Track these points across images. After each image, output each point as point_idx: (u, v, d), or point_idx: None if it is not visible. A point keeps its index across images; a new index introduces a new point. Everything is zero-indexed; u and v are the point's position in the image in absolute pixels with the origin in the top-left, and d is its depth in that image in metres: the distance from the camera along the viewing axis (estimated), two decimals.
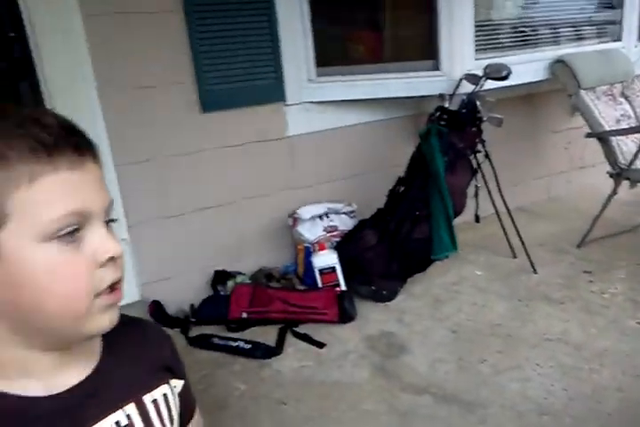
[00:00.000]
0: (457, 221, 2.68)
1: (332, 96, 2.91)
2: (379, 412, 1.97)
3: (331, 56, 2.97)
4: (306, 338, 2.40)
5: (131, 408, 0.70)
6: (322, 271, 2.68)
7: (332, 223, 2.88)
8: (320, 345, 2.36)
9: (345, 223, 2.91)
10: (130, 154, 2.47)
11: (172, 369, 0.80)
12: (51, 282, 0.60)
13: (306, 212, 2.80)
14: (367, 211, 2.89)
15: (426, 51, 2.97)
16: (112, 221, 0.66)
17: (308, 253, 2.79)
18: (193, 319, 2.59)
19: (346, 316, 2.50)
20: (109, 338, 0.71)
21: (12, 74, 2.23)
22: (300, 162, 2.94)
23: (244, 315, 2.53)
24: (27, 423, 0.63)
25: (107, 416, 0.67)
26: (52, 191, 0.59)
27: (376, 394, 2.06)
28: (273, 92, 2.80)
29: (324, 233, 2.83)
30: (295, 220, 2.84)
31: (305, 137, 2.93)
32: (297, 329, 2.47)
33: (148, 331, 0.83)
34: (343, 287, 2.66)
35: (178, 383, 0.80)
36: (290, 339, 2.43)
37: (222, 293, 2.71)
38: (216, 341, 2.42)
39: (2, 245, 0.58)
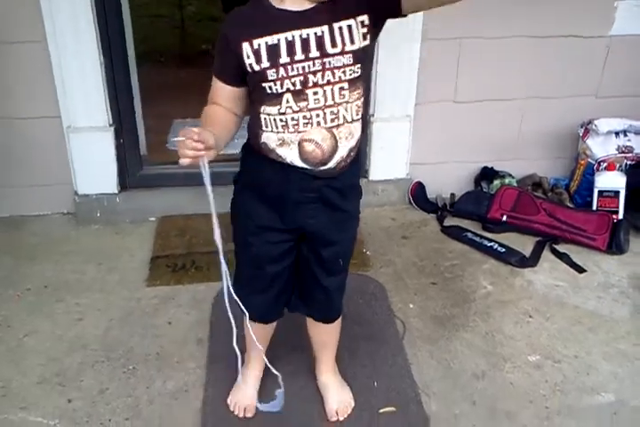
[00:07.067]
0: None
1: None
2: (634, 355, 1.83)
3: None
4: (566, 258, 2.26)
5: (324, 28, 1.14)
6: (602, 193, 2.44)
7: (628, 143, 2.55)
8: (580, 270, 2.21)
9: None
10: (441, 29, 2.34)
11: (362, 6, 1.15)
12: None
13: (604, 124, 2.50)
14: None
15: None
16: None
17: (591, 170, 2.54)
18: (451, 209, 2.57)
19: (617, 246, 2.28)
20: None
21: None
22: (614, 67, 2.58)
23: (505, 218, 2.44)
24: (273, 15, 1.17)
25: (312, 27, 1.14)
26: None
27: (634, 337, 1.90)
28: None
29: (616, 152, 2.54)
30: (587, 131, 2.57)
31: (629, 39, 2.53)
32: (557, 247, 2.34)
33: None
34: (621, 216, 2.41)
35: (364, 17, 1.15)
36: (547, 255, 2.31)
37: (485, 190, 2.63)
38: (470, 236, 2.39)
39: None
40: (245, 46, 1.16)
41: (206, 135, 1.09)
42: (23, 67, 2.23)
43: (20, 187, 2.42)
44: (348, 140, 1.24)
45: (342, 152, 1.24)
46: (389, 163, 2.62)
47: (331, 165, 1.24)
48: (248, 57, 1.17)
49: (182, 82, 3.58)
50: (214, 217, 1.14)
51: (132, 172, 2.44)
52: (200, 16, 5.15)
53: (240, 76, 1.22)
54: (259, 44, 1.16)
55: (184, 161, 1.08)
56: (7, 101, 2.27)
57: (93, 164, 2.36)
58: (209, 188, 1.11)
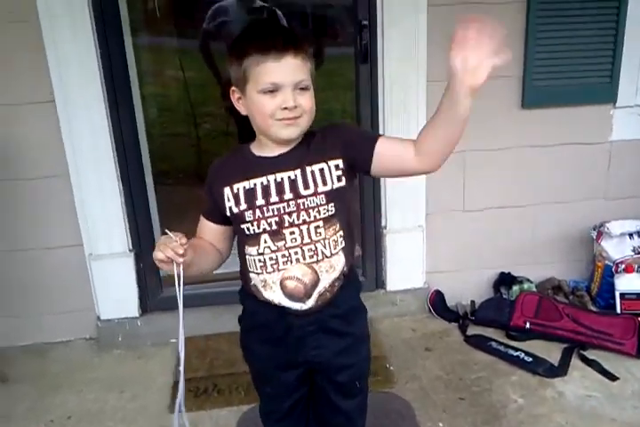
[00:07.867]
0: None
1: None
2: None
3: None
4: (596, 366, 2.20)
5: (297, 171, 1.23)
6: (624, 296, 2.42)
7: None
8: (612, 378, 2.14)
9: None
10: None
11: (335, 151, 1.24)
12: (258, 110, 1.20)
13: (616, 227, 2.54)
14: None
15: None
16: (303, 88, 1.20)
17: (609, 272, 2.54)
18: (472, 317, 2.54)
19: None
20: (302, 140, 1.26)
21: (356, 57, 2.36)
22: (618, 171, 2.66)
23: (528, 325, 2.41)
24: (250, 161, 1.29)
25: (285, 171, 1.23)
26: (265, 70, 1.17)
27: None
28: (603, 91, 2.56)
29: (632, 253, 2.54)
30: (600, 234, 2.60)
31: (630, 144, 2.63)
32: (585, 353, 2.28)
33: (325, 131, 1.28)
34: None
35: (337, 161, 1.24)
36: (576, 362, 2.25)
37: (505, 296, 2.62)
38: (495, 345, 2.35)
39: (248, 91, 1.21)
40: (227, 191, 1.26)
41: (187, 247, 1.18)
42: (47, 200, 2.35)
43: (43, 315, 2.46)
44: (329, 273, 1.26)
45: (325, 284, 1.27)
46: (406, 273, 2.64)
47: (315, 295, 1.26)
48: (228, 200, 1.26)
49: (200, 200, 3.71)
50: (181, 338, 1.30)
51: (152, 295, 2.48)
52: (215, 133, 5.44)
53: (225, 217, 1.30)
54: (237, 189, 1.25)
55: (157, 255, 1.17)
56: (32, 233, 2.38)
57: (115, 289, 2.41)
58: (180, 294, 1.23)
